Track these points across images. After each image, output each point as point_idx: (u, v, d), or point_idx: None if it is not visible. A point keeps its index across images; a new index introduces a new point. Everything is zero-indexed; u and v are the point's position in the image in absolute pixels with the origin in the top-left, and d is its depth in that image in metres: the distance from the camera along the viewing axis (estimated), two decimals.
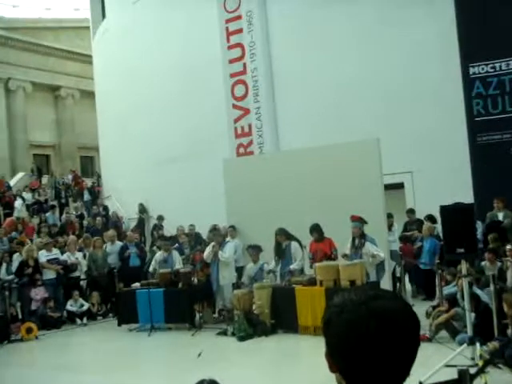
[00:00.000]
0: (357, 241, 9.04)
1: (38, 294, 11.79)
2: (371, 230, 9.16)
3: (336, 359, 1.14)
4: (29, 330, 10.57)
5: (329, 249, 9.40)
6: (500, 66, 12.26)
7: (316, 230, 9.50)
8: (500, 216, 10.68)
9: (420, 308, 8.28)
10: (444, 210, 6.76)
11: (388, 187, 11.07)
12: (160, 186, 18.12)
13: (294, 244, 9.80)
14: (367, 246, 8.90)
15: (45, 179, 24.30)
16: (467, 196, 10.87)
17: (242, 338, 8.91)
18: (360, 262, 8.66)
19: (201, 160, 16.91)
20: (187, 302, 10.16)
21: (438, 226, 11.13)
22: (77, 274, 12.52)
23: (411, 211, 12.20)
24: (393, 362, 1.10)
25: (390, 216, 10.99)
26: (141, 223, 18.52)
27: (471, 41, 12.52)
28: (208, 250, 10.50)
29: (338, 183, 10.28)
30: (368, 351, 1.08)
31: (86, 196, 21.41)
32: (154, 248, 13.03)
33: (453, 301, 7.85)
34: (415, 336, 1.13)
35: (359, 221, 9.00)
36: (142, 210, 19.04)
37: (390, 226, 11.09)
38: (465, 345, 6.34)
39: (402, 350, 1.10)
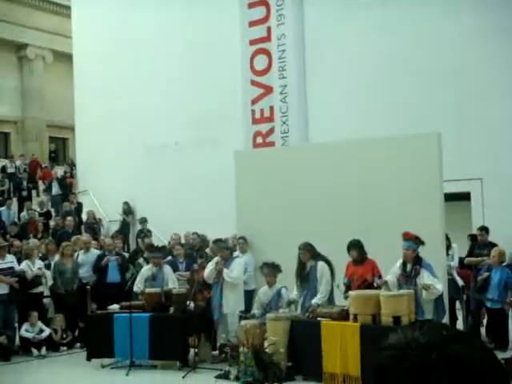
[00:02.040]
0: (409, 266, 8.97)
1: None
2: (425, 252, 9.10)
3: None
4: None
5: (370, 274, 9.34)
6: None
7: (356, 247, 9.46)
8: None
9: None
10: None
11: (449, 197, 11.02)
12: (151, 182, 18.19)
13: (320, 265, 9.75)
14: (423, 275, 8.81)
15: (1, 163, 24.40)
16: None
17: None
18: (408, 292, 8.58)
19: (206, 150, 16.94)
20: (180, 332, 10.15)
21: None
22: (39, 289, 12.53)
23: (484, 230, 12.05)
24: None
25: (446, 237, 10.91)
26: (125, 227, 18.60)
27: None
28: (210, 267, 10.49)
29: (385, 189, 10.26)
30: None
31: (55, 189, 21.49)
32: (140, 261, 13.03)
33: None
34: None
35: (414, 241, 8.92)
36: (127, 210, 19.12)
37: (447, 249, 11.00)
38: None
39: None
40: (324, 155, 11.13)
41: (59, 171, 23.68)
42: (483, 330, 10.96)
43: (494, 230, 11.93)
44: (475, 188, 13.85)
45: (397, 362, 1.09)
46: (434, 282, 8.79)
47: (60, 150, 32.82)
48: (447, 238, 11.11)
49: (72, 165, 24.30)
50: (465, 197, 13.85)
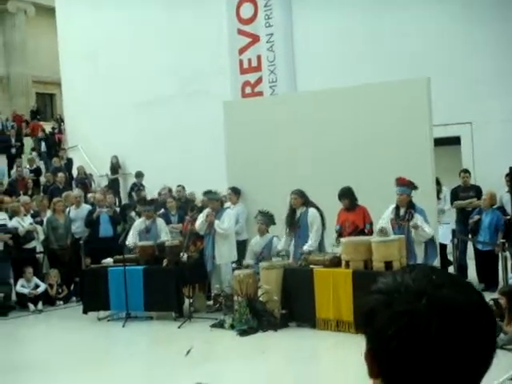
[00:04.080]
0: (402, 211, 9.02)
1: None
2: (417, 197, 9.15)
3: (379, 362, 1.09)
4: None
5: (361, 220, 9.40)
6: None
7: (347, 195, 9.49)
8: None
9: None
10: None
11: (439, 142, 11.04)
12: (140, 136, 18.10)
13: (311, 211, 9.78)
14: (416, 219, 8.87)
15: None
16: None
17: (243, 332, 8.98)
18: (399, 238, 8.65)
19: (194, 102, 16.84)
20: (174, 284, 10.23)
21: (504, 195, 11.15)
22: (32, 244, 12.57)
23: (467, 172, 12.11)
24: (458, 373, 1.05)
25: (437, 182, 10.97)
26: (114, 182, 18.57)
27: None
28: (201, 219, 10.51)
29: (375, 135, 10.27)
30: (425, 357, 1.04)
31: (43, 146, 21.42)
32: (132, 214, 13.03)
33: None
34: (490, 340, 1.08)
35: (408, 185, 8.96)
36: (116, 165, 19.07)
37: (437, 193, 11.08)
38: None
39: (471, 358, 1.05)
40: (313, 103, 11.09)
41: (47, 127, 23.52)
42: (473, 272, 11.10)
43: (484, 174, 11.99)
44: (465, 132, 13.86)
45: (385, 307, 1.08)
46: (425, 226, 8.86)
47: (47, 106, 32.55)
48: (438, 183, 11.18)
49: (60, 120, 24.10)
50: (455, 141, 13.86)
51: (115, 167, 19.07)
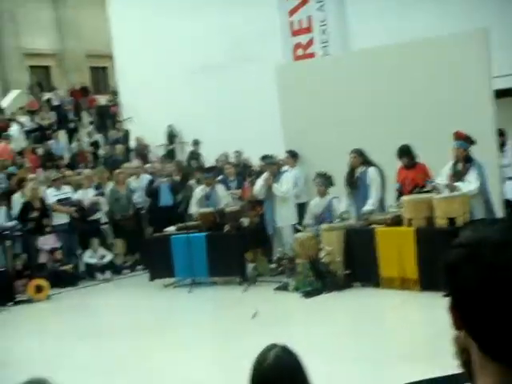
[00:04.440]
0: (460, 166, 8.89)
1: (48, 243, 12.20)
2: (476, 151, 9.00)
3: (463, 315, 1.10)
4: (38, 289, 11.05)
5: (421, 178, 9.31)
6: None
7: (406, 152, 9.41)
8: None
9: None
10: None
11: (499, 94, 10.77)
12: (193, 104, 18.12)
13: (371, 170, 9.72)
14: (470, 173, 8.73)
15: (47, 96, 24.52)
16: None
17: (308, 294, 9.08)
18: (463, 194, 8.53)
19: (246, 67, 16.74)
20: (237, 249, 10.37)
21: None
22: (96, 216, 12.83)
23: None
24: None
25: (501, 133, 10.70)
26: (171, 152, 18.69)
27: None
28: (260, 183, 10.56)
29: (433, 90, 10.09)
30: (510, 309, 1.02)
31: (100, 119, 21.72)
32: (192, 182, 13.13)
33: None
34: None
35: (465, 140, 8.82)
36: (172, 134, 19.15)
37: (500, 146, 10.82)
38: None
39: None
40: (367, 62, 10.93)
41: (102, 100, 23.78)
42: None
43: None
44: None
45: (469, 261, 1.06)
46: (471, 183, 8.68)
47: (100, 79, 32.87)
48: (502, 134, 10.89)
49: (114, 93, 24.31)
50: None
51: (171, 136, 19.17)
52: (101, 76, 33.02)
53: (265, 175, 10.60)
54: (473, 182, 8.68)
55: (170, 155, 18.26)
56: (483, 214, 8.81)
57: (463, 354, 1.14)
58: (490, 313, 1.04)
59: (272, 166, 10.69)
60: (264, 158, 10.94)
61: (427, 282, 8.31)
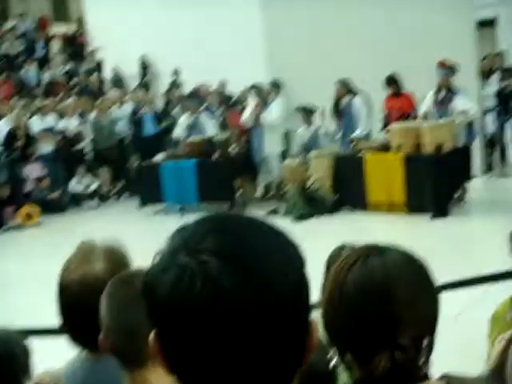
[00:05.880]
0: (443, 93, 9.22)
1: (34, 171, 12.24)
2: (459, 80, 9.32)
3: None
4: (28, 216, 11.20)
5: (407, 106, 9.62)
6: None
7: (393, 81, 9.69)
8: None
9: None
10: None
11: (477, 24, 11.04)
12: (168, 33, 17.89)
13: (357, 100, 10.00)
14: (456, 101, 9.10)
15: (10, 24, 23.74)
16: None
17: (299, 217, 9.40)
18: (449, 121, 8.91)
19: None
20: (226, 176, 10.60)
21: None
22: (81, 145, 12.91)
23: (499, 56, 11.97)
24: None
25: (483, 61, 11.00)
26: (146, 83, 18.56)
27: None
28: (249, 111, 10.72)
29: (416, 22, 10.28)
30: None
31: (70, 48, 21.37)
32: (175, 111, 13.18)
33: None
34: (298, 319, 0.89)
35: (448, 68, 9.14)
36: (145, 64, 18.96)
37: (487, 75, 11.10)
38: None
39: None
40: None
41: (64, 29, 23.10)
42: None
43: None
44: (503, 13, 13.59)
45: (158, 275, 0.87)
46: (467, 105, 9.10)
47: (61, 7, 31.92)
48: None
49: (81, 22, 23.70)
50: (489, 24, 13.69)
51: (145, 68, 18.98)
52: (61, 4, 32.09)
53: (253, 103, 10.75)
54: (467, 104, 9.03)
55: (144, 86, 18.14)
56: (464, 139, 9.26)
57: None
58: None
59: (261, 94, 10.84)
60: (252, 87, 11.08)
61: (414, 205, 8.75)
